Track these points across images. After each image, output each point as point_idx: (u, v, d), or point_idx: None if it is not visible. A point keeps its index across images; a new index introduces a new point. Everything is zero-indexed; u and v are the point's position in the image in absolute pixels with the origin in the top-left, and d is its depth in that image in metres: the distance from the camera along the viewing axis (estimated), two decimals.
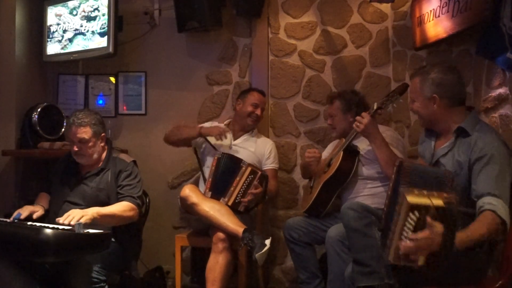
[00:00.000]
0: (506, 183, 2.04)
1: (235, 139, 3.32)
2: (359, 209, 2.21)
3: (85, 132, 2.73)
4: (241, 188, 2.96)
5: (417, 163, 2.36)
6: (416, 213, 1.78)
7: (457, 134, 2.20)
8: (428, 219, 1.76)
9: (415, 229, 1.80)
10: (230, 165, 3.02)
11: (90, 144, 2.75)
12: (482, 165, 2.04)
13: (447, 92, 2.21)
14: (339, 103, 3.06)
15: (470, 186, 2.10)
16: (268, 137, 3.62)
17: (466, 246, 1.88)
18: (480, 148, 2.07)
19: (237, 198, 2.96)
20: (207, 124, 3.43)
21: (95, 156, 2.79)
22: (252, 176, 2.97)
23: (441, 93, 2.20)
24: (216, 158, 3.04)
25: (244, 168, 2.98)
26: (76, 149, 2.75)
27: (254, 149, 3.27)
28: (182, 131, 3.33)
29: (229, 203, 2.94)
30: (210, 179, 3.02)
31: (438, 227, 1.76)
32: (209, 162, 3.16)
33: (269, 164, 3.29)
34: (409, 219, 1.81)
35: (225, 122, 3.42)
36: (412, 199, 1.79)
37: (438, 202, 1.78)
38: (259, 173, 3.00)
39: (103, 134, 2.82)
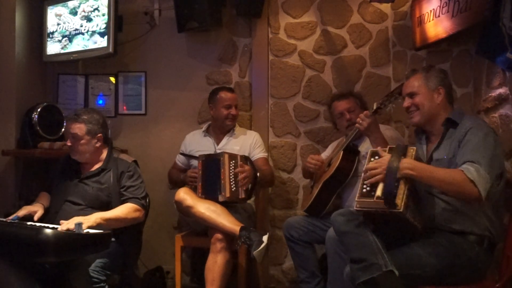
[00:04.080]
0: (486, 151, 2.07)
1: (218, 142, 3.31)
2: (347, 214, 2.25)
3: (78, 128, 2.74)
4: (230, 176, 2.95)
5: None
6: (376, 157, 2.16)
7: (446, 127, 2.28)
8: (380, 151, 2.15)
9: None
10: (211, 163, 3.01)
11: (82, 141, 2.74)
12: (466, 140, 2.13)
13: (449, 87, 2.36)
14: (356, 99, 3.09)
15: None
16: (268, 137, 3.62)
17: (418, 173, 2.03)
18: (465, 127, 2.18)
19: (232, 187, 2.95)
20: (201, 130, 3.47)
21: (87, 155, 2.79)
22: (233, 161, 2.98)
23: (445, 86, 2.34)
24: (200, 162, 3.04)
25: (222, 158, 2.97)
26: (69, 143, 2.76)
27: (239, 147, 3.26)
28: (173, 174, 3.44)
29: (228, 195, 2.92)
30: (200, 184, 3.01)
31: (386, 156, 2.10)
32: None
33: (257, 154, 3.28)
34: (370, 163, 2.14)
35: (204, 128, 3.42)
36: (373, 149, 2.23)
37: (392, 146, 2.18)
38: (238, 156, 3.02)
39: (99, 135, 2.79)
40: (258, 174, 3.08)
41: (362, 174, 2.16)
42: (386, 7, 3.59)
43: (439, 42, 2.91)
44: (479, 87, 2.74)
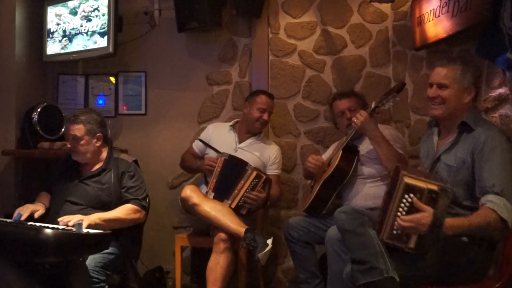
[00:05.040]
0: (507, 174, 2.04)
1: (240, 141, 3.30)
2: (350, 212, 2.23)
3: (77, 129, 2.74)
4: (245, 191, 2.95)
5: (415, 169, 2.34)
6: (411, 194, 1.96)
7: (460, 130, 2.20)
8: (419, 202, 1.94)
9: (409, 210, 1.96)
10: (235, 167, 3.00)
11: (82, 142, 2.74)
12: (485, 159, 2.06)
13: (479, 88, 2.27)
14: (357, 98, 3.09)
15: (473, 181, 2.11)
16: (268, 137, 3.62)
17: (456, 232, 1.97)
18: (483, 141, 2.09)
19: (240, 201, 2.96)
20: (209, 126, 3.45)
21: (88, 155, 2.78)
22: (256, 180, 2.96)
23: (476, 87, 2.23)
24: (222, 159, 3.03)
25: (249, 171, 2.96)
26: (69, 145, 2.77)
27: (259, 154, 3.25)
28: (187, 158, 3.41)
29: (232, 206, 2.94)
30: (214, 180, 3.01)
31: (429, 210, 1.93)
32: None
33: (273, 170, 3.27)
34: (404, 200, 1.98)
35: (231, 123, 3.41)
36: (408, 180, 1.98)
37: (432, 187, 1.96)
38: (264, 177, 2.98)
39: (99, 134, 2.79)
40: (268, 202, 3.09)
41: (396, 217, 1.99)
42: (386, 7, 3.59)
43: (439, 42, 2.90)
44: (479, 87, 2.74)
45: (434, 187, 1.95)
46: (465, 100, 2.21)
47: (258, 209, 3.11)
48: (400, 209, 1.99)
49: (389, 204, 2.08)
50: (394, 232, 2.00)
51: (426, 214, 1.93)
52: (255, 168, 2.98)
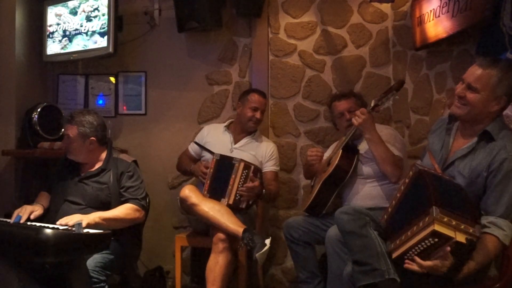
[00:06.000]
0: None
1: (236, 142, 3.30)
2: (352, 212, 2.20)
3: (70, 130, 2.75)
4: (239, 184, 2.96)
5: (437, 173, 2.15)
6: (436, 239, 1.85)
7: (480, 138, 2.06)
8: (446, 249, 1.83)
9: (427, 249, 1.89)
10: (225, 165, 3.01)
11: (74, 144, 2.75)
12: (499, 178, 1.98)
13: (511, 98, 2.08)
14: (356, 99, 3.08)
15: (483, 196, 2.05)
16: (268, 137, 3.62)
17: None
18: (501, 159, 1.98)
19: (237, 195, 2.96)
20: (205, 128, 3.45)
21: (81, 156, 2.79)
22: (246, 171, 2.97)
23: (509, 97, 2.03)
24: (214, 160, 3.04)
25: (237, 164, 2.97)
26: (63, 143, 2.79)
27: (255, 152, 3.25)
28: (183, 161, 3.42)
29: (230, 202, 2.94)
30: (208, 181, 3.02)
31: (449, 259, 1.84)
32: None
33: (270, 167, 3.27)
34: (426, 241, 1.88)
35: (226, 123, 3.41)
36: (439, 227, 1.83)
37: (461, 238, 1.83)
38: (252, 167, 3.01)
39: (92, 138, 2.77)
40: (264, 191, 3.09)
41: (413, 249, 1.92)
42: (386, 7, 3.59)
43: (439, 42, 2.90)
44: None
45: (462, 239, 1.82)
46: (491, 109, 2.03)
47: (256, 200, 3.11)
48: (419, 245, 1.90)
49: (410, 223, 1.95)
50: (405, 257, 1.95)
51: (446, 263, 1.86)
52: (242, 160, 2.99)
